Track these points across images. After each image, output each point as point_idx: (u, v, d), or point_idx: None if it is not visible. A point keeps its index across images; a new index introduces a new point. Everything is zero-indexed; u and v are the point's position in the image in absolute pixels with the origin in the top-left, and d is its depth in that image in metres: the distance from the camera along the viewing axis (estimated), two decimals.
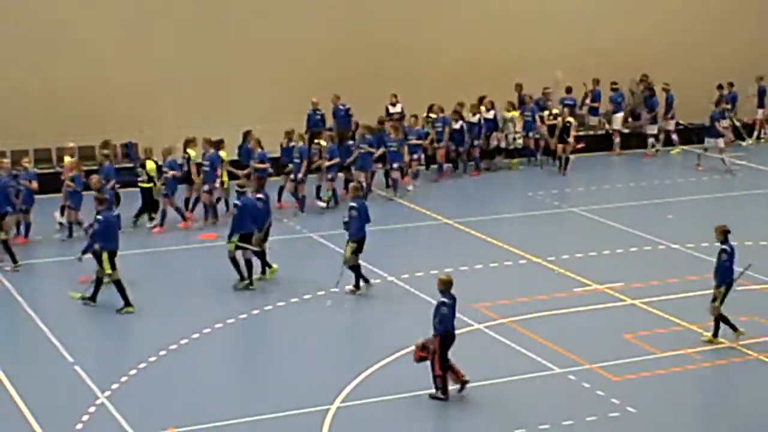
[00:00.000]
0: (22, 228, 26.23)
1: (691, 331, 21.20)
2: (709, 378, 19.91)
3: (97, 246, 21.95)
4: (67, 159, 27.81)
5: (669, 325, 21.72)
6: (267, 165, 28.59)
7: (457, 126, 33.03)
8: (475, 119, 33.40)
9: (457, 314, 21.61)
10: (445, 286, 18.63)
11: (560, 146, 33.37)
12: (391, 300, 23.19)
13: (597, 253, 26.43)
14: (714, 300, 20.65)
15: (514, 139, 34.26)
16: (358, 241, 23.01)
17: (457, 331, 20.63)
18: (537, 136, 34.48)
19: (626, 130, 36.58)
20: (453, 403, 18.43)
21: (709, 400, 19.46)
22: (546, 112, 34.43)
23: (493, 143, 34.16)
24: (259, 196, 24.08)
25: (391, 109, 33.56)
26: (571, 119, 33.32)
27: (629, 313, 22.53)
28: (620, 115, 36.38)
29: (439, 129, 32.95)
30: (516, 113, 34.22)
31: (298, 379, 19.23)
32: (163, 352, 20.25)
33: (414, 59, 35.15)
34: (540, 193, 31.66)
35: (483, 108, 33.64)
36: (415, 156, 31.95)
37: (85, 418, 17.63)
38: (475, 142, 33.46)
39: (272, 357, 20.49)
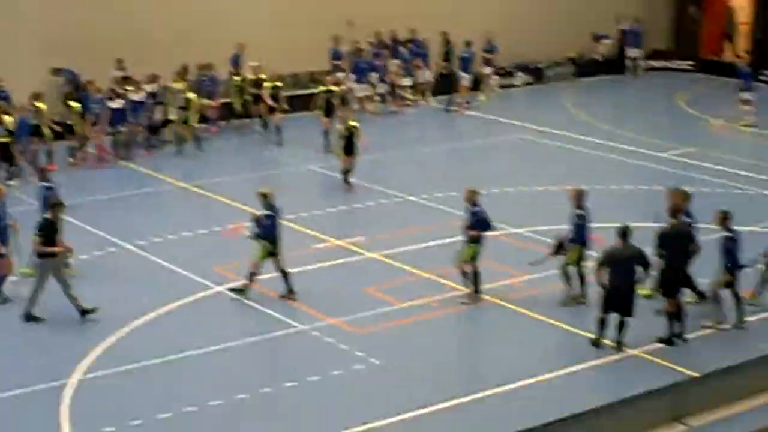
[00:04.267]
0: None
1: (429, 280, 21.49)
2: (450, 324, 20.26)
3: None
4: None
5: (408, 275, 21.95)
6: None
7: (116, 105, 30.37)
8: (138, 97, 31.23)
9: (196, 277, 21.48)
10: None
11: None
12: (125, 268, 22.64)
13: (335, 208, 26.54)
14: None
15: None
16: None
17: (199, 295, 20.51)
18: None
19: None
20: (199, 366, 18.18)
21: (451, 345, 19.79)
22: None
23: (157, 117, 32.05)
24: None
25: (118, 74, 32.54)
26: None
27: (369, 266, 22.69)
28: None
29: (97, 110, 30.29)
30: (182, 84, 32.26)
31: (32, 355, 18.52)
32: None
33: (134, 24, 34.30)
34: (264, 153, 31.58)
35: (146, 85, 31.81)
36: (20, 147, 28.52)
37: None
38: (139, 121, 31.30)
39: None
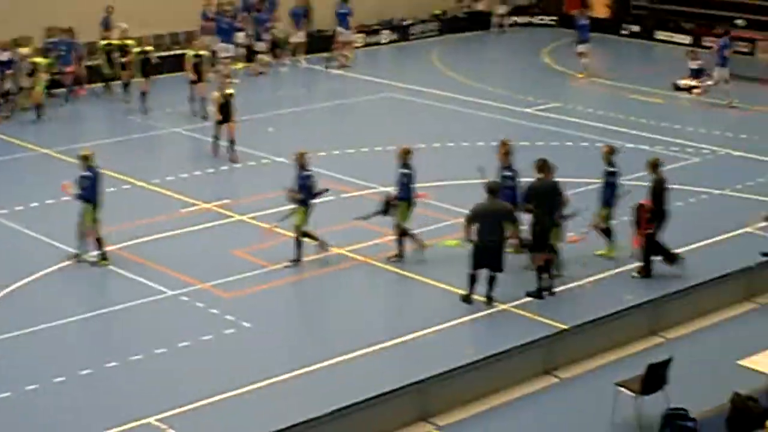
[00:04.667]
0: None
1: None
2: (321, 285, 20.21)
3: None
4: None
5: (277, 237, 21.76)
6: None
7: None
8: None
9: (61, 245, 21.05)
10: None
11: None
12: None
13: (201, 171, 26.22)
14: None
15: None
16: None
17: (62, 264, 20.14)
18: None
19: None
20: (67, 335, 17.85)
21: (323, 306, 19.75)
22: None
23: (7, 86, 30.76)
24: None
25: None
26: None
27: (238, 229, 22.47)
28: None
29: None
30: (28, 49, 31.09)
31: None
32: None
33: None
34: (130, 117, 31.03)
35: None
36: None
37: None
38: None
39: None
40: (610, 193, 20.60)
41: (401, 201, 20.67)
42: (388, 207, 20.82)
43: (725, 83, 32.81)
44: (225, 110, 26.81)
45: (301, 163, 20.76)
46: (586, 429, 15.23)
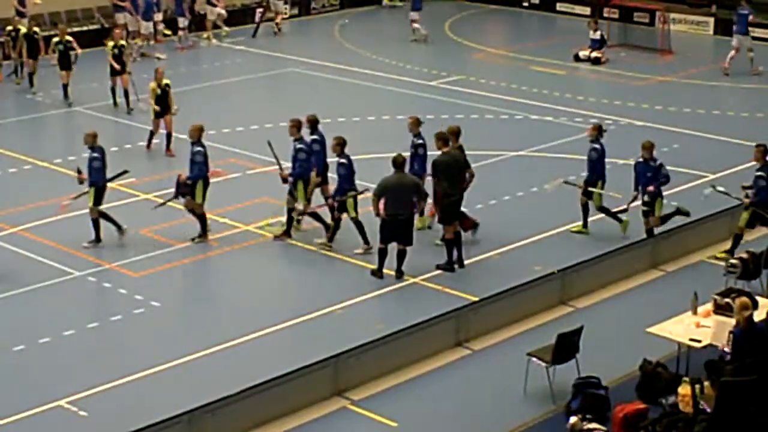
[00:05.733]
0: None
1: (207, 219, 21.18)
2: (229, 263, 20.04)
3: None
4: None
5: (185, 215, 21.48)
6: None
7: None
8: None
9: None
10: None
11: None
12: None
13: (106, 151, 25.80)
14: None
15: None
16: None
17: None
18: None
19: None
20: None
21: (232, 284, 19.57)
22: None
23: None
24: None
25: None
26: None
27: (144, 208, 22.15)
28: None
29: None
30: None
31: None
32: None
33: None
34: (40, 94, 30.43)
35: None
36: None
37: None
38: None
39: None
40: (419, 165, 20.36)
41: (195, 180, 20.29)
42: (180, 189, 20.38)
43: (749, 51, 32.97)
44: (162, 101, 25.69)
45: (90, 144, 20.41)
46: (499, 400, 15.32)
